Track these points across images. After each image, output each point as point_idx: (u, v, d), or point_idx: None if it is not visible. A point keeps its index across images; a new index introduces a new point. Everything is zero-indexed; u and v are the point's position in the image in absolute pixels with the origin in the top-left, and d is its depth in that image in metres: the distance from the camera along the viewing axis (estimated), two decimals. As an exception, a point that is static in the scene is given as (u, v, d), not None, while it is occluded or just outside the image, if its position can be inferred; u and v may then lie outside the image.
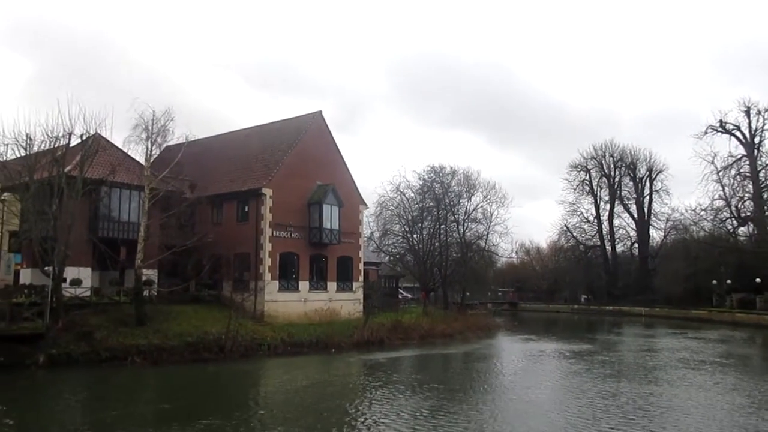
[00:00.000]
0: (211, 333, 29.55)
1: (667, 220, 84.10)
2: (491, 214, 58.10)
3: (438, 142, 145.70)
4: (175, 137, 33.93)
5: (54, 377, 23.74)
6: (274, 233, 37.14)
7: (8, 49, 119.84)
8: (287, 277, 37.89)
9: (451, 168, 58.26)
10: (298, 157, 39.30)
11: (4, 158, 32.59)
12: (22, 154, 31.37)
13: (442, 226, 57.30)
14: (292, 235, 38.19)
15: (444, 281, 57.50)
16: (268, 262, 36.57)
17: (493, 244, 60.46)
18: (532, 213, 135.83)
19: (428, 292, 57.19)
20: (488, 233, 58.78)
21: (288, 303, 37.01)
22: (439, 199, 56.58)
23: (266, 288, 35.94)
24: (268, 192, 37.08)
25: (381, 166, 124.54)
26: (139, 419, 17.04)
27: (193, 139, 35.92)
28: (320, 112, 42.11)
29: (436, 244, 57.26)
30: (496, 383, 24.63)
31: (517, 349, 37.74)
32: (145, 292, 31.46)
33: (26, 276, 32.64)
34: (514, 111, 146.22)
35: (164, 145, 34.44)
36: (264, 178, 37.66)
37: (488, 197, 58.06)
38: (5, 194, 34.50)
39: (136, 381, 24.43)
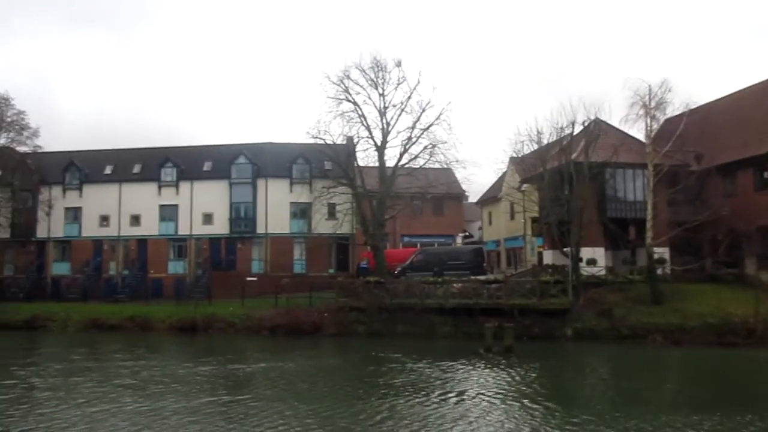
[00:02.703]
0: (735, 315, 26.99)
1: None
2: None
3: None
4: (675, 108, 32.52)
5: (579, 349, 26.05)
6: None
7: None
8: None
9: None
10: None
11: (522, 154, 38.01)
12: (535, 148, 35.88)
13: None
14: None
15: None
16: (803, 235, 31.01)
17: None
18: None
19: None
20: None
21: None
22: None
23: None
24: (799, 151, 31.36)
25: None
26: (664, 399, 16.83)
27: (693, 107, 33.59)
28: None
29: None
30: None
31: None
32: (658, 271, 31.02)
33: (548, 257, 36.78)
34: None
35: (663, 119, 33.28)
36: (787, 136, 32.00)
37: None
38: (524, 186, 39.78)
39: (656, 360, 24.46)
